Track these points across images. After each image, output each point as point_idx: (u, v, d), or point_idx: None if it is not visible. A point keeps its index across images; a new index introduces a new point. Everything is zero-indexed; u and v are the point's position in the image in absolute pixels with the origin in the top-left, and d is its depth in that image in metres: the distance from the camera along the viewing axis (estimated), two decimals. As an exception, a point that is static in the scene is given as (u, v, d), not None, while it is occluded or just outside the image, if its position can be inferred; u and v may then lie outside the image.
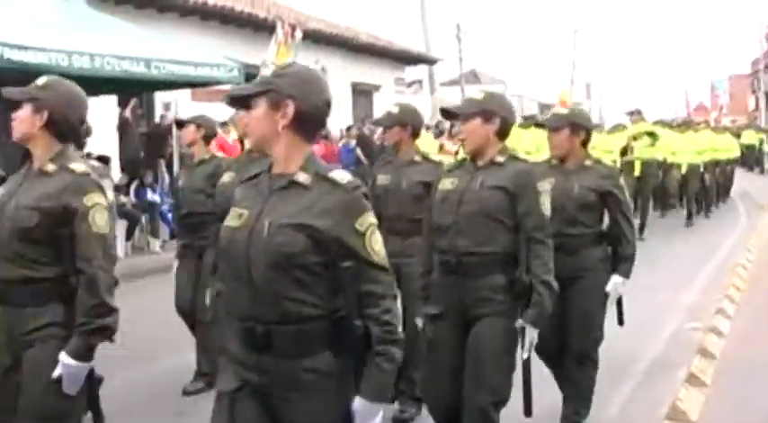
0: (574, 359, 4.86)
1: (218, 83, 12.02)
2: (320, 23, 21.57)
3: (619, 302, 5.10)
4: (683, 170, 16.22)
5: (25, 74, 9.35)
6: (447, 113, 4.36)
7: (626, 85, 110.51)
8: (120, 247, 11.84)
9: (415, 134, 5.32)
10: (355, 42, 22.48)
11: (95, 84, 10.95)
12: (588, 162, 4.91)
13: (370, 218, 2.56)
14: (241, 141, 14.19)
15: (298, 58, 18.70)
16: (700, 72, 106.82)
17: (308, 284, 2.51)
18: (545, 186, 3.99)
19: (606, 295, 4.86)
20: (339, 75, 21.84)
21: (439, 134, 17.28)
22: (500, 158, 4.00)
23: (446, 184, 4.06)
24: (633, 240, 4.89)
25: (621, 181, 5.03)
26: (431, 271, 4.12)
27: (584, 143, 4.93)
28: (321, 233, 2.49)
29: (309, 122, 2.61)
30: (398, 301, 2.71)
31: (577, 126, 4.88)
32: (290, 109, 2.55)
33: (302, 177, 2.57)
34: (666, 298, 8.75)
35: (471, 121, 4.02)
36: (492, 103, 4.07)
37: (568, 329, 4.80)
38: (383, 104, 23.61)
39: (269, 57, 18.01)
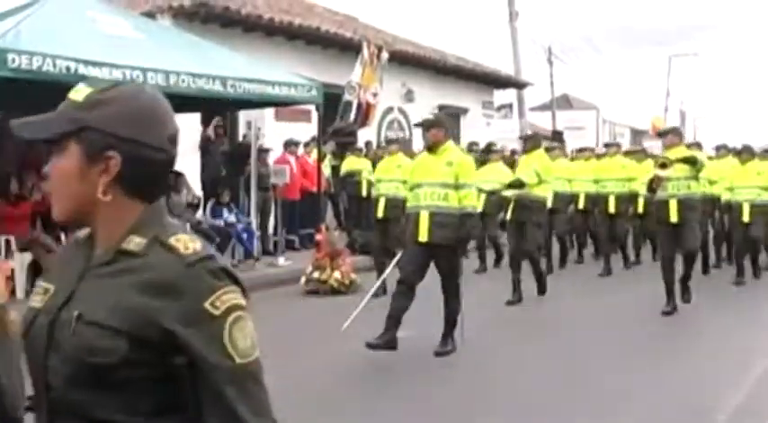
0: None
1: (297, 102, 11.93)
2: (407, 45, 21.44)
3: None
4: (745, 214, 12.26)
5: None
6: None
7: (724, 114, 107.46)
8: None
9: None
10: (443, 64, 22.24)
11: (174, 101, 11.00)
12: (133, 244, 1.70)
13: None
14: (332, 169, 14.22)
15: (383, 79, 18.66)
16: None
17: None
18: None
19: None
20: (426, 97, 21.64)
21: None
22: None
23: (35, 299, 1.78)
24: None
25: (229, 299, 1.65)
26: None
27: (129, 184, 1.72)
28: None
29: None
30: None
31: (95, 141, 1.69)
32: None
33: None
34: (752, 339, 8.24)
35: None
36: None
37: None
38: (471, 128, 23.40)
39: (354, 78, 17.98)
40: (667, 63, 54.33)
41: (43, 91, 9.18)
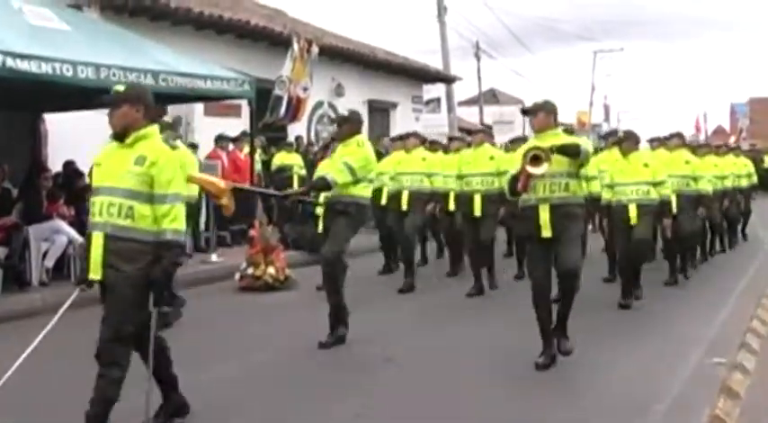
0: None
1: (229, 97, 11.80)
2: (336, 40, 21.38)
3: None
4: (632, 217, 9.52)
5: (30, 83, 9.24)
6: None
7: (648, 109, 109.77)
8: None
9: None
10: (372, 59, 22.25)
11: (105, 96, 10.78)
12: None
13: None
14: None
15: (314, 73, 18.57)
16: (720, 95, 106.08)
17: None
18: None
19: None
20: (355, 92, 21.62)
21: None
22: None
23: None
24: None
25: None
26: None
27: None
28: None
29: None
30: None
31: None
32: None
33: None
34: (686, 331, 8.38)
35: None
36: None
37: None
38: (400, 122, 23.43)
39: (285, 72, 17.86)
40: (592, 58, 55.24)
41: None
